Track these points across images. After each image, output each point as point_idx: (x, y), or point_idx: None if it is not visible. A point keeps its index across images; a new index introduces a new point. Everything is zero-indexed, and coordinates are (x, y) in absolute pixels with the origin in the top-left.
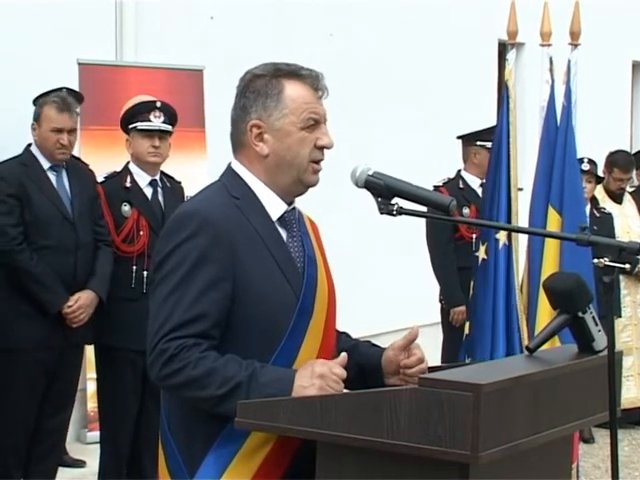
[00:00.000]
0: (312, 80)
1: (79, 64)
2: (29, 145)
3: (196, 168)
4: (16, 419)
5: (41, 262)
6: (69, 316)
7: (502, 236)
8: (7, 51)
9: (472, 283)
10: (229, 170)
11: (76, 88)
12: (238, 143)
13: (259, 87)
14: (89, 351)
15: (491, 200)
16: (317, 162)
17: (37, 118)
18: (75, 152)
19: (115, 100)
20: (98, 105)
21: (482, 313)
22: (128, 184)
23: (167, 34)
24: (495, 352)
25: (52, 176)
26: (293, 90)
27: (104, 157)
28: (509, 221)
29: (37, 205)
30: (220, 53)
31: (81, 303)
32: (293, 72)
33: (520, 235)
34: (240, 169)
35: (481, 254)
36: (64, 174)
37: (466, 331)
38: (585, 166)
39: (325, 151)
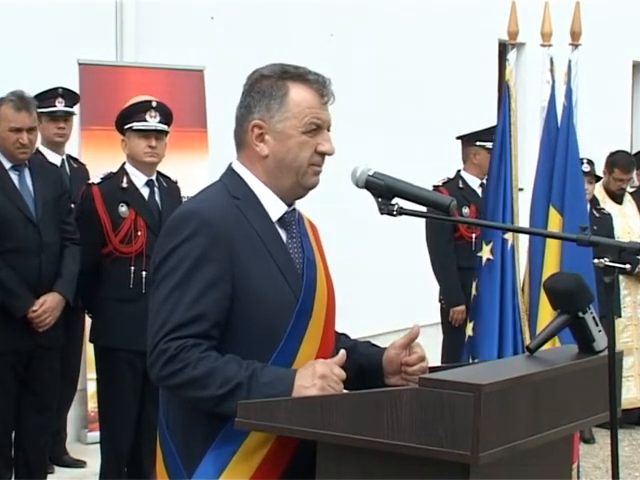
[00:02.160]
0: (318, 85)
1: (79, 64)
2: None
3: (197, 168)
4: None
5: (5, 266)
6: (34, 320)
7: (510, 237)
8: (7, 51)
9: (474, 283)
10: (229, 170)
11: (76, 88)
12: (240, 142)
13: (264, 88)
14: (89, 351)
15: (495, 201)
16: (317, 166)
17: None
18: (75, 152)
19: (115, 100)
20: (98, 105)
21: (489, 313)
22: (125, 184)
23: (167, 34)
24: (503, 352)
25: (14, 176)
26: (298, 94)
27: (104, 157)
28: (511, 221)
29: None
30: (220, 53)
31: (46, 307)
32: (300, 75)
33: (521, 235)
34: (241, 169)
35: (485, 254)
36: (27, 173)
37: (469, 332)
38: (585, 167)
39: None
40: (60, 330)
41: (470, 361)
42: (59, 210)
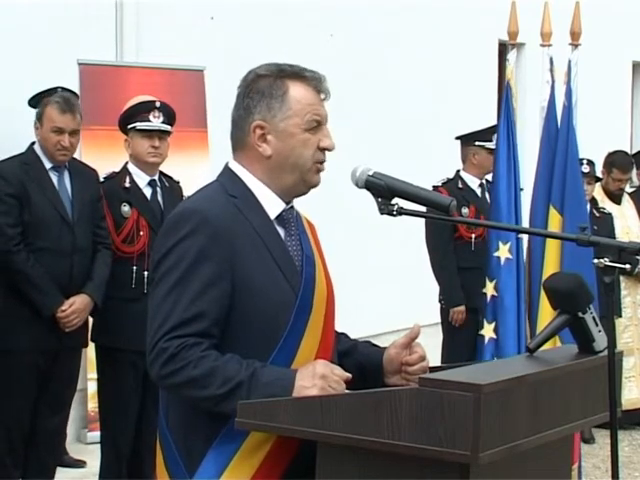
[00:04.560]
0: (315, 82)
1: (79, 64)
2: (32, 144)
3: (198, 168)
4: (10, 420)
5: (37, 264)
6: (62, 320)
7: (522, 236)
8: (7, 51)
9: (491, 284)
10: (226, 170)
11: (76, 88)
12: (239, 143)
13: (263, 88)
14: (90, 351)
15: (508, 202)
16: (320, 163)
17: (40, 117)
18: (76, 152)
19: (116, 100)
20: (99, 105)
21: (512, 314)
22: (127, 184)
23: (168, 34)
24: (522, 351)
25: (54, 177)
26: (297, 91)
27: (105, 157)
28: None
29: (36, 206)
30: (220, 53)
31: (75, 308)
32: (297, 73)
33: (520, 235)
34: (238, 168)
35: (504, 254)
36: (66, 175)
37: (490, 334)
38: (585, 168)
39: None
40: (85, 331)
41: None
42: (94, 213)
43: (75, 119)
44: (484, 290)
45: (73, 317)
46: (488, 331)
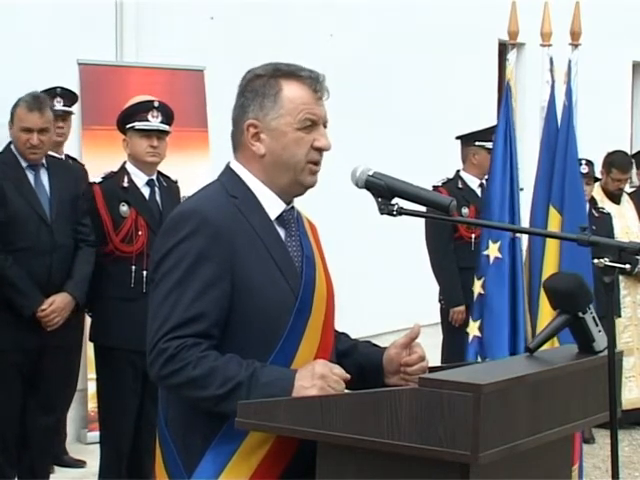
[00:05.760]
0: (311, 81)
1: (79, 64)
2: (10, 143)
3: (198, 168)
4: (0, 420)
5: (15, 264)
6: (43, 320)
7: (520, 235)
8: (7, 51)
9: (479, 282)
10: (227, 170)
11: (76, 88)
12: (237, 142)
13: (257, 87)
14: (90, 351)
15: (502, 200)
16: (314, 163)
17: (12, 117)
18: (76, 152)
19: (116, 100)
20: (99, 105)
21: (499, 313)
22: (125, 184)
23: (167, 34)
24: (518, 352)
25: (30, 175)
26: (291, 90)
27: (105, 157)
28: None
29: (13, 205)
30: (220, 53)
31: (55, 307)
32: (292, 72)
33: (518, 235)
34: (238, 168)
35: (493, 253)
36: (44, 173)
37: (475, 332)
38: (584, 168)
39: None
40: (71, 330)
41: (479, 361)
42: (75, 211)
43: (43, 117)
44: (472, 288)
45: (54, 316)
46: (473, 329)
